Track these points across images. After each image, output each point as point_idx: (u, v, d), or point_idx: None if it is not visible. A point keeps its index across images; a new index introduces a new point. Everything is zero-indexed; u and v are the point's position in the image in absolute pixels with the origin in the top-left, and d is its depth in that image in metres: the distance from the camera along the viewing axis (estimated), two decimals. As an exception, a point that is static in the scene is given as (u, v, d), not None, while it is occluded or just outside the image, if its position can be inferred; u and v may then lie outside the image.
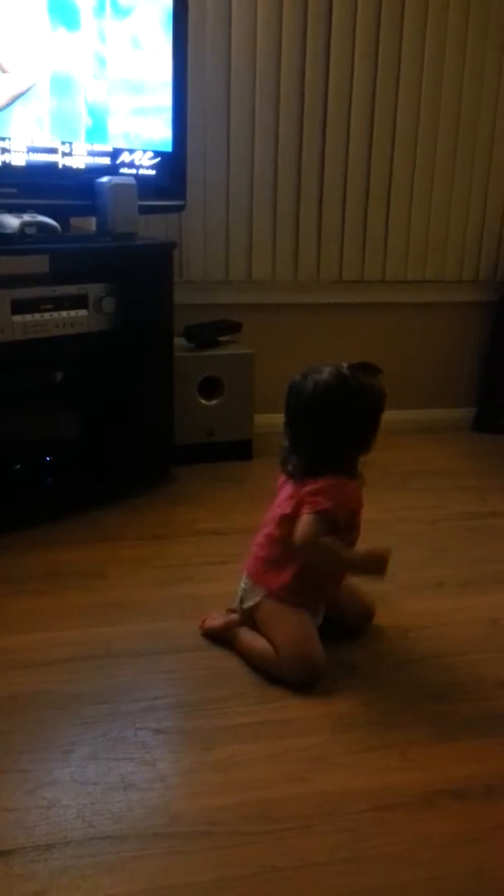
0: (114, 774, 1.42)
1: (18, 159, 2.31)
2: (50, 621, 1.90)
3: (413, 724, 1.58)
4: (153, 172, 2.61)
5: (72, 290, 2.39)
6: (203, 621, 1.86)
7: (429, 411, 3.53)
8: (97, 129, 2.46)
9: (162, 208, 2.74)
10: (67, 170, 2.42)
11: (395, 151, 3.20)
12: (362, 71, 3.08)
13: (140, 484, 2.69)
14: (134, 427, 2.63)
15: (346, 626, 1.85)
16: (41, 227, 2.26)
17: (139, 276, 2.50)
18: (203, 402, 2.94)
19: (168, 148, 2.63)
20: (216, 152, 3.03)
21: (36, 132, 2.32)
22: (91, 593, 2.04)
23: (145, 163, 2.59)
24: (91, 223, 2.58)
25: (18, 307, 2.27)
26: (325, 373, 1.69)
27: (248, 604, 1.79)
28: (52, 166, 2.38)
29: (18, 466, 2.59)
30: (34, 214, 2.26)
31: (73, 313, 2.39)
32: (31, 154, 2.33)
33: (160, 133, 2.60)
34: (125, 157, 2.54)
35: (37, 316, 2.31)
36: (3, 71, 2.23)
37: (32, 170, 2.34)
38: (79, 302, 2.40)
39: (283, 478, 1.80)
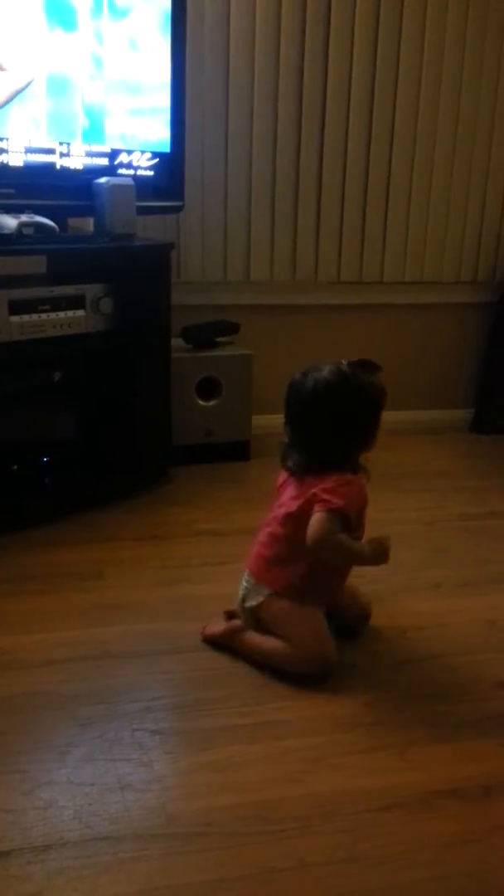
0: (111, 775, 1.42)
1: (16, 160, 2.31)
2: (48, 622, 1.90)
3: (411, 724, 1.58)
4: (151, 173, 2.61)
5: (69, 290, 2.39)
6: (204, 628, 1.84)
7: (427, 412, 3.53)
8: (94, 130, 2.46)
9: (160, 209, 2.74)
10: (65, 170, 2.42)
11: (393, 152, 3.20)
12: (361, 71, 3.08)
13: (138, 484, 2.69)
14: (132, 428, 2.63)
15: (346, 626, 1.85)
16: (39, 227, 2.26)
17: (137, 277, 2.50)
18: (201, 402, 2.94)
19: (166, 149, 2.63)
20: (214, 153, 3.03)
21: (33, 133, 2.32)
22: (89, 594, 2.04)
23: (143, 163, 2.59)
24: (89, 224, 2.57)
25: (16, 308, 2.27)
26: (325, 371, 1.69)
27: (251, 602, 1.78)
28: (49, 167, 2.38)
29: (16, 467, 2.58)
30: (32, 215, 2.26)
31: (70, 314, 2.39)
32: (28, 154, 2.33)
33: (157, 134, 2.60)
34: (123, 158, 2.54)
35: (34, 316, 2.31)
36: (2, 69, 2.23)
37: (30, 170, 2.34)
38: (76, 302, 2.40)
39: (282, 477, 1.80)
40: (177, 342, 2.85)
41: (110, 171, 2.50)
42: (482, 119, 3.24)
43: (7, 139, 2.27)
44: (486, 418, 3.49)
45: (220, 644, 1.80)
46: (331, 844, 1.28)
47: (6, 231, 2.20)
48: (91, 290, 2.42)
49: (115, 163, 2.52)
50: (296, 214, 3.18)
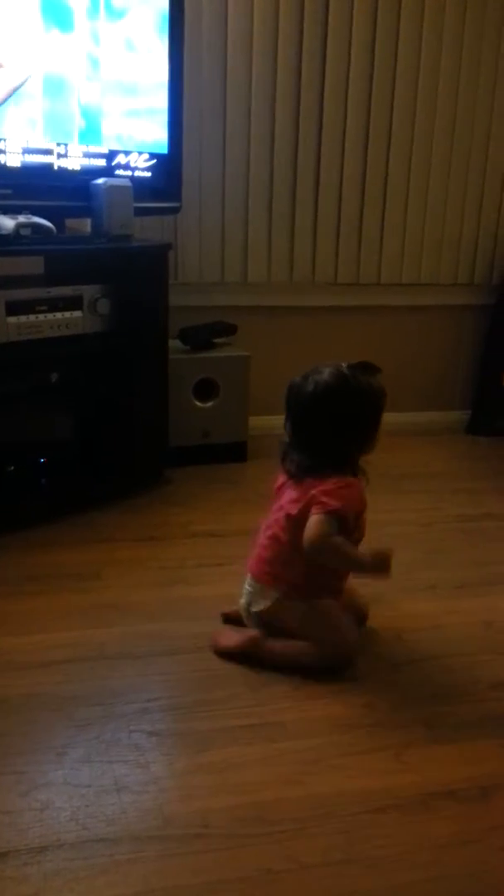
0: (107, 777, 1.41)
1: (13, 160, 2.31)
2: (45, 623, 1.89)
3: (409, 725, 1.58)
4: (149, 174, 2.61)
5: (67, 291, 2.38)
6: (216, 641, 1.80)
7: (424, 414, 3.53)
8: (90, 131, 2.45)
9: (157, 210, 2.74)
10: (63, 171, 2.42)
11: (391, 153, 3.21)
12: (359, 72, 3.08)
13: (135, 485, 2.68)
14: (129, 429, 2.63)
15: None
16: (36, 228, 2.25)
17: (134, 278, 2.50)
18: (198, 403, 2.94)
19: (163, 150, 2.63)
20: (212, 154, 3.03)
21: (29, 133, 2.32)
22: (86, 595, 2.03)
23: (141, 164, 2.59)
24: (86, 225, 2.57)
25: (13, 308, 2.26)
26: (326, 373, 1.69)
27: (257, 607, 1.77)
28: (47, 167, 2.38)
29: (13, 468, 2.58)
30: (29, 216, 2.26)
31: (67, 315, 2.39)
32: (26, 155, 2.33)
33: (154, 135, 2.60)
34: (121, 159, 2.54)
35: (31, 317, 2.30)
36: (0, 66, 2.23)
37: (28, 171, 2.34)
38: (73, 303, 2.40)
39: (281, 478, 1.80)
40: (174, 343, 2.85)
41: (108, 171, 2.50)
42: (479, 120, 3.25)
43: (4, 140, 2.27)
44: (482, 420, 3.49)
45: (238, 656, 1.75)
46: (329, 845, 1.28)
47: (3, 232, 2.20)
48: (88, 291, 2.42)
49: (113, 164, 2.52)
50: (293, 216, 3.18)
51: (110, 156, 2.51)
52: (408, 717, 1.60)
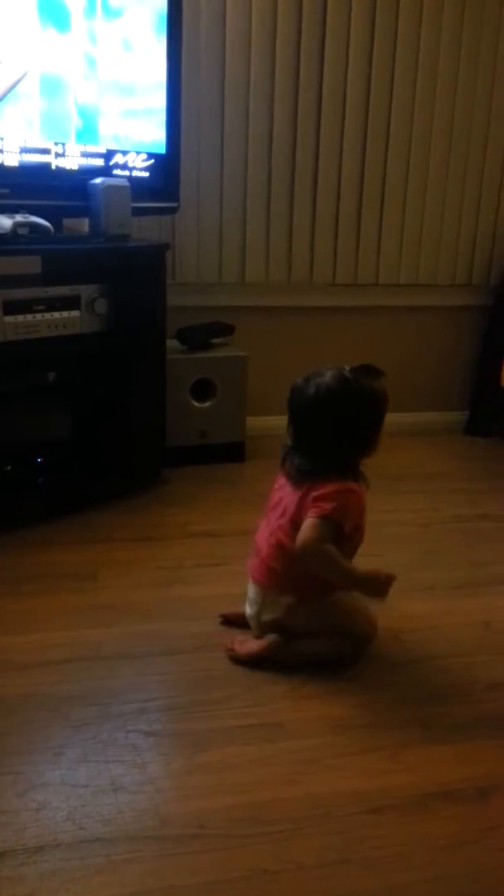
0: (104, 777, 1.41)
1: (11, 159, 2.30)
2: (42, 622, 1.89)
3: (405, 726, 1.58)
4: (146, 174, 2.61)
5: (64, 291, 2.38)
6: (233, 650, 1.77)
7: (422, 414, 3.53)
8: (87, 131, 2.45)
9: (155, 210, 2.74)
10: (60, 171, 2.42)
11: (388, 154, 3.21)
12: (357, 73, 3.08)
13: (133, 485, 2.68)
14: (126, 429, 2.63)
15: None
16: (34, 227, 2.25)
17: (132, 278, 2.50)
18: (195, 404, 2.94)
19: (161, 149, 2.63)
20: (210, 154, 3.03)
21: (26, 133, 2.32)
22: (84, 595, 2.03)
23: (139, 164, 2.59)
24: (84, 224, 2.57)
25: (10, 308, 2.26)
26: (328, 376, 1.68)
27: (269, 617, 1.76)
28: (45, 167, 2.38)
29: (10, 467, 2.58)
30: (27, 215, 2.26)
31: (65, 314, 2.38)
32: (23, 154, 2.33)
33: (151, 135, 2.60)
34: (118, 159, 2.54)
35: (29, 317, 2.30)
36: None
37: (25, 170, 2.34)
38: (71, 303, 2.40)
39: (280, 481, 1.79)
40: (172, 343, 2.85)
41: (105, 171, 2.50)
42: (477, 121, 3.25)
43: (2, 139, 2.27)
44: (480, 421, 3.49)
45: (258, 661, 1.74)
46: (325, 846, 1.28)
47: (1, 231, 2.20)
48: (86, 291, 2.42)
49: (111, 163, 2.52)
50: (291, 216, 3.18)
51: (108, 155, 2.51)
52: (405, 718, 1.60)
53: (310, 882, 1.22)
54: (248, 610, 1.81)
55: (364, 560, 1.76)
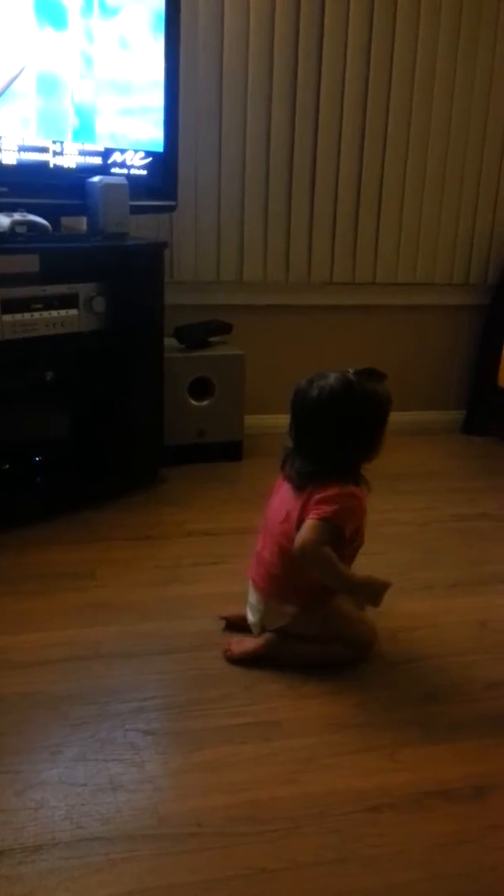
0: (102, 776, 1.41)
1: (9, 158, 2.30)
2: (40, 622, 1.89)
3: (402, 725, 1.58)
4: (144, 172, 2.61)
5: (62, 289, 2.38)
6: (230, 650, 1.77)
7: (420, 413, 3.53)
8: (85, 129, 2.45)
9: (153, 208, 2.74)
10: (58, 169, 2.41)
11: (386, 153, 3.21)
12: (354, 72, 3.08)
13: (131, 484, 2.68)
14: (124, 427, 2.63)
15: None
16: (32, 226, 2.25)
17: (130, 277, 2.50)
18: (193, 402, 2.94)
19: (159, 148, 2.63)
20: (208, 153, 3.03)
21: (23, 131, 2.31)
22: (82, 594, 2.03)
23: (137, 163, 2.58)
24: (82, 223, 2.57)
25: (8, 306, 2.26)
26: (331, 378, 1.68)
27: (273, 625, 1.75)
28: (43, 165, 2.38)
29: (8, 466, 2.58)
30: (25, 213, 2.26)
31: (63, 313, 2.38)
32: (21, 153, 2.32)
33: (149, 133, 2.60)
34: (116, 157, 2.53)
35: (27, 315, 2.30)
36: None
37: (23, 169, 2.34)
38: (69, 301, 2.39)
39: (280, 485, 1.79)
40: (169, 342, 2.85)
41: (103, 170, 2.49)
42: (475, 121, 3.25)
43: (0, 137, 2.26)
44: (477, 420, 3.50)
45: (255, 659, 1.74)
46: (323, 845, 1.28)
47: (-1, 230, 2.20)
48: (84, 290, 2.42)
49: (109, 162, 2.52)
50: (289, 215, 3.18)
51: (106, 154, 2.51)
52: (403, 717, 1.61)
53: (307, 881, 1.22)
54: (251, 617, 1.80)
55: (363, 559, 1.77)
